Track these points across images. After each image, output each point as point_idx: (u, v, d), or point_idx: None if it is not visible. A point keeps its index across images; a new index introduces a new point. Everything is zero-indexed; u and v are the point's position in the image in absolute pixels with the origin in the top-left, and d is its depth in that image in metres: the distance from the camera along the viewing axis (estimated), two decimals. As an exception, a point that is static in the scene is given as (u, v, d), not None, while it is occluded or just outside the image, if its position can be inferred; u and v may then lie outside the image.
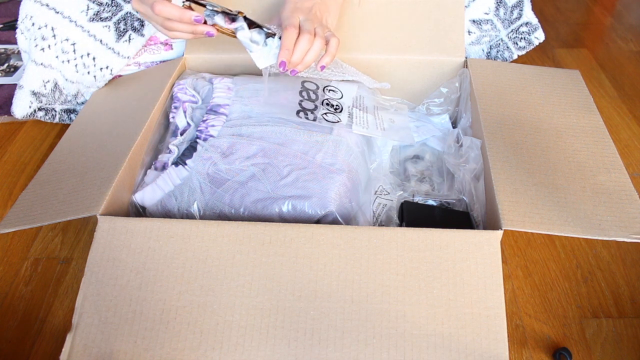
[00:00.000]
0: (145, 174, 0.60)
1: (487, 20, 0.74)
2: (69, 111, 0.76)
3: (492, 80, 0.67)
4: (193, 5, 0.55)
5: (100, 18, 0.69)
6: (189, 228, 0.49)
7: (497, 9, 0.73)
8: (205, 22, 0.55)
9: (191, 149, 0.59)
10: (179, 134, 0.63)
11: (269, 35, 0.57)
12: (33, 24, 0.68)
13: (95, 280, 0.48)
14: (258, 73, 0.72)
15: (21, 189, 0.71)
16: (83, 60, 0.70)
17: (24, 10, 0.68)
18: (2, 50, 0.98)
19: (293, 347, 0.45)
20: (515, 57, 0.77)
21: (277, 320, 0.46)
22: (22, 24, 0.69)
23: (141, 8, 0.56)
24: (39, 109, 0.73)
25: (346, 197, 0.56)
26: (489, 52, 0.77)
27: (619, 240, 0.49)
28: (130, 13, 0.70)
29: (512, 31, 0.75)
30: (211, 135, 0.60)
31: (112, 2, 0.69)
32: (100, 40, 0.70)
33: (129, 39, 0.71)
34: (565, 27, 1.10)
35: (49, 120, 0.75)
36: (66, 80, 0.71)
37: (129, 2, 0.70)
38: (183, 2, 0.54)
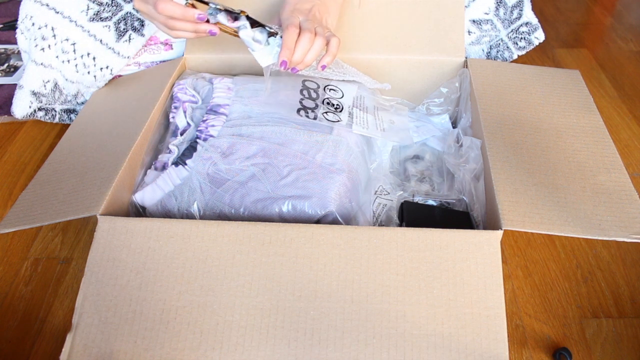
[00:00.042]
0: (145, 174, 0.60)
1: (487, 20, 0.74)
2: (69, 111, 0.76)
3: (492, 80, 0.67)
4: (196, 3, 0.55)
5: (101, 18, 0.69)
6: (189, 228, 0.49)
7: (497, 9, 0.73)
8: (207, 21, 0.55)
9: (191, 149, 0.59)
10: (179, 134, 0.63)
11: (272, 34, 0.57)
12: (33, 24, 0.68)
13: (95, 280, 0.48)
14: (258, 73, 0.72)
15: (21, 189, 0.71)
16: (83, 60, 0.70)
17: (24, 10, 0.68)
18: (2, 50, 0.98)
19: (293, 347, 0.45)
20: (515, 57, 0.77)
21: (277, 320, 0.46)
22: (22, 24, 0.69)
23: (143, 7, 0.56)
24: (39, 109, 0.73)
25: (346, 197, 0.56)
26: (489, 52, 0.77)
27: (619, 240, 0.49)
28: (130, 13, 0.70)
29: (512, 31, 0.75)
30: (211, 135, 0.60)
31: (112, 2, 0.69)
32: (101, 40, 0.70)
33: (129, 39, 0.71)
34: (565, 27, 1.10)
35: (49, 120, 0.75)
36: (66, 80, 0.71)
37: (129, 2, 0.70)
38: (186, 0, 0.54)
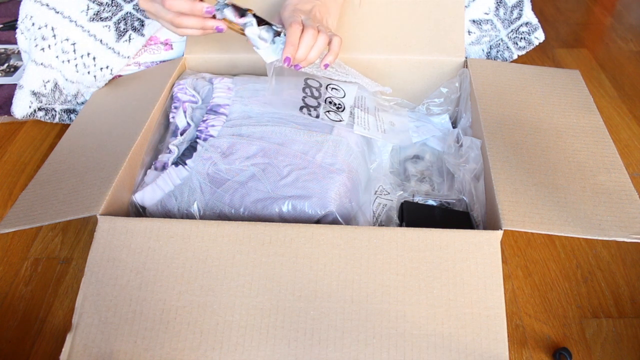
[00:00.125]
0: (145, 174, 0.60)
1: (487, 20, 0.74)
2: (69, 111, 0.76)
3: (492, 80, 0.67)
4: None
5: (101, 18, 0.69)
6: (189, 228, 0.49)
7: (497, 9, 0.73)
8: (214, 17, 0.55)
9: (191, 149, 0.59)
10: (179, 134, 0.63)
11: (277, 33, 0.57)
12: (33, 24, 0.68)
13: (95, 280, 0.48)
14: (258, 73, 0.72)
15: (21, 189, 0.71)
16: (83, 60, 0.70)
17: (24, 10, 0.68)
18: (2, 50, 0.98)
19: (293, 347, 0.45)
20: (515, 57, 0.77)
21: (277, 320, 0.46)
22: (22, 24, 0.69)
23: (149, 7, 0.56)
24: (39, 109, 0.73)
25: (346, 197, 0.56)
26: (489, 52, 0.77)
27: (619, 240, 0.49)
28: (130, 13, 0.70)
29: (512, 31, 0.75)
30: (211, 135, 0.60)
31: (112, 2, 0.69)
32: (101, 40, 0.70)
33: (129, 39, 0.71)
34: (565, 27, 1.10)
35: (49, 120, 0.75)
36: (66, 80, 0.71)
37: (129, 2, 0.70)
38: None
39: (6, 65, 0.94)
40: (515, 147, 0.57)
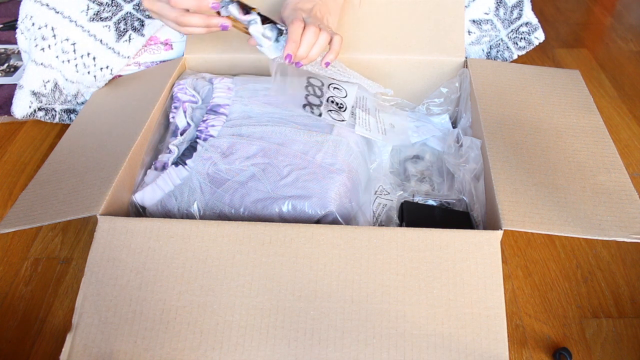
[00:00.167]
0: (145, 174, 0.60)
1: (487, 20, 0.74)
2: (69, 111, 0.76)
3: (492, 80, 0.67)
4: None
5: (101, 18, 0.69)
6: (189, 228, 0.49)
7: (497, 9, 0.73)
8: (218, 14, 0.55)
9: (191, 149, 0.59)
10: (179, 134, 0.63)
11: (281, 32, 0.57)
12: (33, 24, 0.68)
13: (95, 280, 0.48)
14: (258, 73, 0.72)
15: (21, 189, 0.71)
16: (83, 60, 0.70)
17: (24, 10, 0.68)
18: (2, 50, 0.98)
19: (293, 347, 0.45)
20: (515, 57, 0.77)
21: (277, 320, 0.46)
22: (22, 24, 0.69)
23: (154, 6, 0.56)
24: (39, 109, 0.73)
25: (346, 197, 0.56)
26: (489, 52, 0.77)
27: (619, 240, 0.49)
28: (130, 13, 0.70)
29: (512, 31, 0.75)
30: (211, 135, 0.60)
31: (112, 2, 0.69)
32: (101, 40, 0.70)
33: (129, 39, 0.71)
34: (565, 27, 1.10)
35: (49, 120, 0.75)
36: (66, 80, 0.71)
37: (129, 2, 0.70)
38: None
39: (6, 65, 0.94)
40: (515, 147, 0.57)
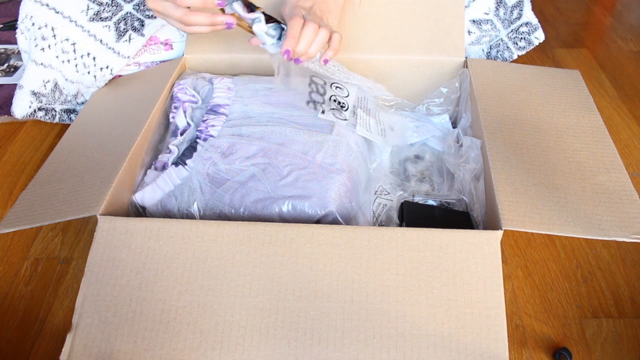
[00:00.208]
0: (145, 174, 0.60)
1: (487, 20, 0.74)
2: (69, 111, 0.76)
3: (492, 80, 0.67)
4: None
5: (101, 18, 0.69)
6: (189, 228, 0.49)
7: (497, 9, 0.73)
8: (222, 11, 0.55)
9: (191, 149, 0.59)
10: (179, 134, 0.63)
11: (285, 32, 0.57)
12: (33, 24, 0.68)
13: (95, 280, 0.48)
14: (258, 73, 0.72)
15: (21, 189, 0.71)
16: (83, 60, 0.70)
17: (24, 10, 0.68)
18: (2, 50, 0.98)
19: (293, 347, 0.45)
20: (515, 57, 0.77)
21: (277, 320, 0.46)
22: (22, 24, 0.69)
23: (158, 6, 0.56)
24: (39, 109, 0.73)
25: (346, 197, 0.56)
26: (489, 52, 0.77)
27: (619, 240, 0.49)
28: (130, 13, 0.70)
29: (512, 31, 0.75)
30: (211, 135, 0.60)
31: (112, 2, 0.69)
32: (101, 40, 0.70)
33: (129, 39, 0.71)
34: (565, 27, 1.10)
35: (49, 120, 0.75)
36: (66, 80, 0.71)
37: (129, 2, 0.70)
38: None
39: (6, 65, 0.94)
40: (515, 147, 0.57)
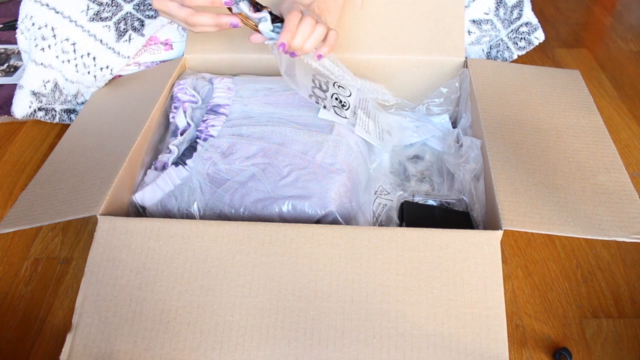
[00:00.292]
0: (145, 174, 0.60)
1: (487, 20, 0.74)
2: (69, 111, 0.76)
3: (492, 80, 0.67)
4: None
5: (101, 18, 0.69)
6: (189, 228, 0.49)
7: (497, 9, 0.73)
8: (229, 10, 0.56)
9: (191, 149, 0.59)
10: (179, 134, 0.63)
11: None
12: (33, 24, 0.68)
13: (95, 280, 0.48)
14: (258, 73, 0.72)
15: (21, 189, 0.71)
16: (83, 60, 0.70)
17: (24, 10, 0.68)
18: (2, 50, 0.98)
19: (293, 347, 0.45)
20: (515, 57, 0.77)
21: (277, 320, 0.46)
22: (22, 24, 0.69)
23: (164, 6, 0.56)
24: (39, 109, 0.73)
25: (346, 197, 0.56)
26: (489, 52, 0.77)
27: (619, 240, 0.49)
28: (130, 13, 0.70)
29: (512, 31, 0.75)
30: (211, 135, 0.60)
31: (112, 2, 0.69)
32: (101, 40, 0.70)
33: (129, 39, 0.71)
34: (565, 27, 1.10)
35: (49, 120, 0.75)
36: (66, 80, 0.71)
37: (129, 2, 0.70)
38: None
39: (6, 65, 0.94)
40: (515, 147, 0.57)
